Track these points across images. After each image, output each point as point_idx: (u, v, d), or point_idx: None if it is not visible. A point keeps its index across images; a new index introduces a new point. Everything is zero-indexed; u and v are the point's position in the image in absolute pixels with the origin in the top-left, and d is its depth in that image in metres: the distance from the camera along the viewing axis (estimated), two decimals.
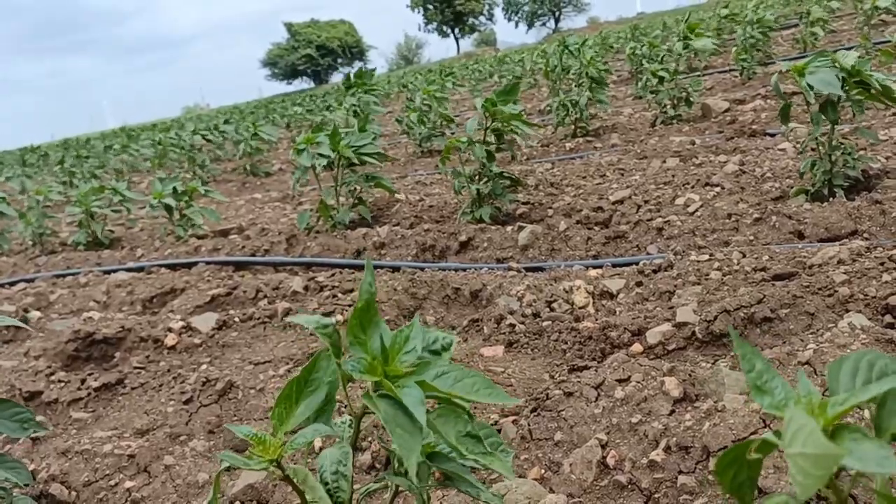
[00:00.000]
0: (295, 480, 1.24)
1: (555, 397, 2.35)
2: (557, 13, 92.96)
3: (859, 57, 3.69)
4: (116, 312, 4.59)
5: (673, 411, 2.16)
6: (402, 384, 1.10)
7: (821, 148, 4.12)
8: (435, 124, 9.69)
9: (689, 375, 2.30)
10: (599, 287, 3.44)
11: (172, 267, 5.57)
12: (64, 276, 6.00)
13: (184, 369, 3.36)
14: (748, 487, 0.94)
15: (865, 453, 0.74)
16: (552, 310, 3.24)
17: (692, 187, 4.83)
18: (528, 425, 2.31)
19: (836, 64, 3.66)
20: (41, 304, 5.10)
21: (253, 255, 5.49)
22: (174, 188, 6.60)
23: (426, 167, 8.75)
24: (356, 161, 5.49)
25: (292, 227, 5.95)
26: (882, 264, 2.87)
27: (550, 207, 5.08)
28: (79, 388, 3.33)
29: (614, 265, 3.89)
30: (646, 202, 4.67)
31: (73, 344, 3.78)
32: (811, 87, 3.68)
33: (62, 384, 3.36)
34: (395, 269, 4.46)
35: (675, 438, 2.00)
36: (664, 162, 5.80)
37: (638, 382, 2.29)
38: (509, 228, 4.66)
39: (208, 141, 12.46)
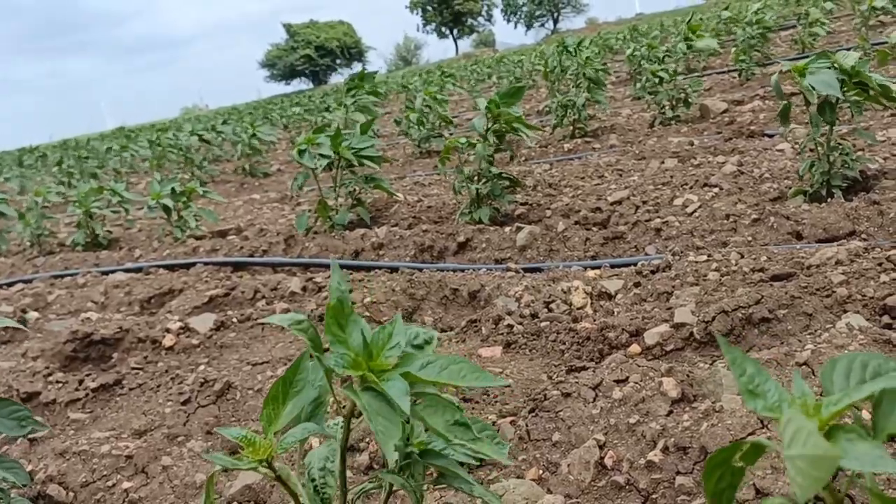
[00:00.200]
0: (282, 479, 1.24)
1: (553, 398, 2.35)
2: (556, 14, 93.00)
3: (860, 58, 3.70)
4: (114, 313, 4.58)
5: (671, 412, 2.16)
6: (387, 377, 1.10)
7: (819, 149, 4.12)
8: (434, 125, 9.69)
9: (687, 376, 2.30)
10: (597, 288, 3.44)
11: (170, 268, 5.57)
12: (62, 276, 6.00)
13: (182, 370, 3.36)
14: (728, 494, 0.93)
15: (860, 454, 0.74)
16: (550, 310, 3.24)
17: (690, 188, 4.83)
18: (526, 426, 2.31)
19: (836, 65, 3.67)
20: (39, 305, 5.09)
21: (251, 255, 5.48)
22: (172, 189, 6.59)
23: (425, 168, 8.75)
24: (356, 163, 5.50)
25: (290, 227, 5.95)
26: (880, 265, 2.87)
27: (549, 208, 5.08)
28: (76, 389, 3.32)
29: (612, 266, 3.89)
30: (644, 203, 4.67)
31: (70, 345, 3.78)
32: (812, 88, 3.68)
33: (60, 385, 3.36)
34: (394, 269, 4.46)
35: (672, 439, 2.00)
36: (662, 163, 5.80)
37: (636, 383, 2.29)
38: (507, 229, 4.66)
39: (206, 142, 12.45)
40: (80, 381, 3.37)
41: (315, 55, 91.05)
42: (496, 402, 2.57)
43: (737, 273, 3.16)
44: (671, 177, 5.17)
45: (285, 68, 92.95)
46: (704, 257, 3.42)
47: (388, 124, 14.77)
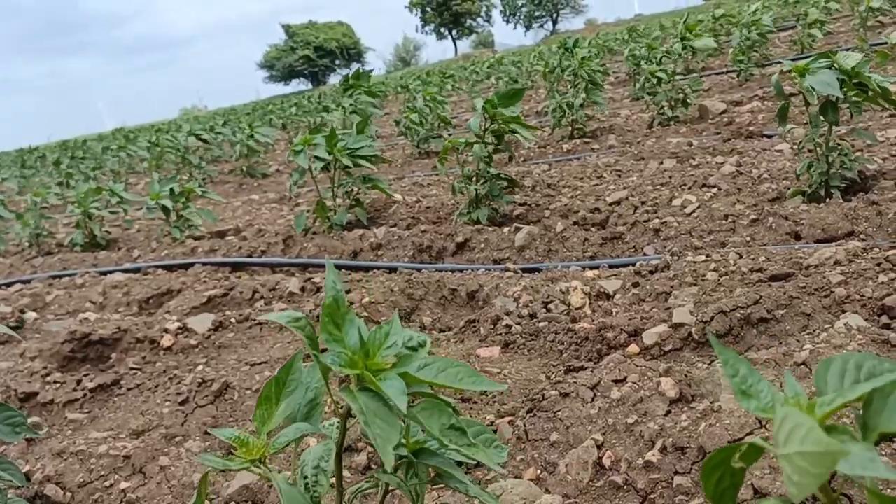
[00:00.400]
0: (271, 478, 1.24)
1: (551, 398, 2.35)
2: (555, 15, 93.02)
3: (861, 59, 3.70)
4: (113, 313, 4.58)
5: (669, 412, 2.15)
6: (385, 377, 1.10)
7: (818, 149, 4.12)
8: (433, 126, 9.69)
9: (686, 376, 2.30)
10: (596, 288, 3.44)
11: (169, 268, 5.56)
12: (60, 276, 5.99)
13: (180, 370, 3.36)
14: (730, 495, 0.93)
15: (852, 456, 0.73)
16: (549, 311, 3.24)
17: (689, 188, 4.83)
18: (524, 426, 2.31)
19: (837, 65, 3.67)
20: (37, 305, 5.09)
21: (250, 256, 5.48)
22: (171, 189, 6.59)
23: (423, 168, 8.75)
24: (351, 164, 5.50)
25: (289, 228, 5.95)
26: (878, 265, 2.87)
27: (547, 208, 5.08)
28: (74, 389, 3.32)
29: (611, 266, 3.89)
30: (643, 203, 4.66)
31: (69, 345, 3.77)
32: (812, 89, 3.68)
33: (58, 385, 3.36)
34: (392, 270, 4.46)
35: (671, 439, 2.00)
36: (661, 163, 5.80)
37: (634, 383, 2.29)
38: (506, 229, 4.65)
39: (204, 142, 12.44)
40: (78, 382, 3.37)
41: (314, 56, 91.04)
42: (494, 402, 2.57)
43: (735, 273, 3.16)
44: (670, 177, 5.17)
45: (284, 69, 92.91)
46: (703, 257, 3.42)
47: (387, 125, 14.77)
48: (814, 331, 2.58)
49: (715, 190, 4.66)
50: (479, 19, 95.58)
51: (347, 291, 3.93)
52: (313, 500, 1.26)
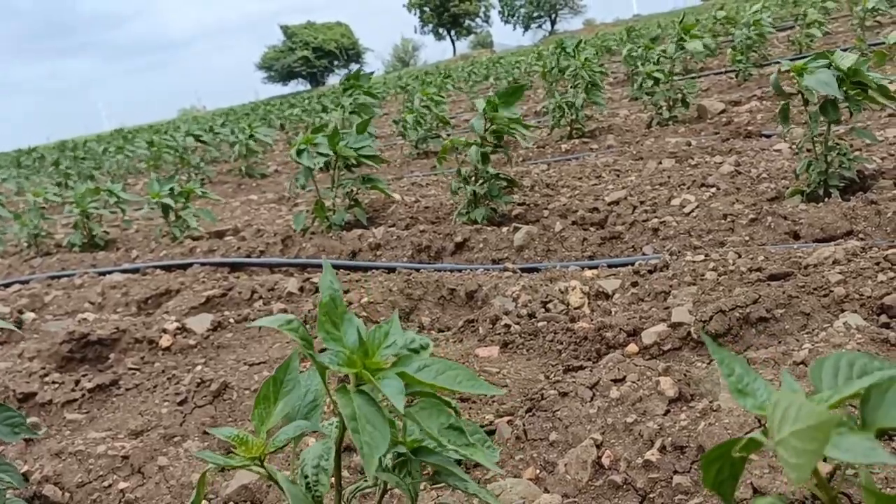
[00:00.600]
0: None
1: (550, 397, 2.35)
2: (554, 15, 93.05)
3: (859, 58, 3.70)
4: (111, 314, 4.58)
5: (668, 411, 2.15)
6: (383, 376, 1.09)
7: (817, 148, 4.12)
8: (431, 126, 9.69)
9: (685, 375, 2.30)
10: (595, 287, 3.44)
11: (167, 268, 5.56)
12: (59, 277, 5.99)
13: (178, 370, 3.36)
14: (730, 485, 0.93)
15: (852, 445, 0.74)
16: (547, 310, 3.23)
17: (688, 188, 4.83)
18: (524, 425, 2.31)
19: (834, 65, 3.67)
20: (36, 306, 5.08)
21: (248, 256, 5.48)
22: (171, 189, 6.59)
23: (422, 169, 8.75)
24: (354, 162, 5.49)
25: (288, 228, 5.94)
26: (877, 264, 2.87)
27: (546, 208, 5.08)
28: (73, 390, 3.32)
29: (610, 266, 3.89)
30: (641, 203, 4.66)
31: (67, 345, 3.77)
32: (811, 88, 3.69)
33: (56, 385, 3.35)
34: (391, 270, 4.46)
35: (670, 438, 1.99)
36: (660, 163, 5.80)
37: (633, 382, 2.28)
38: (505, 229, 4.65)
39: (202, 142, 12.44)
40: (77, 382, 3.37)
41: (312, 57, 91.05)
42: (493, 401, 2.57)
43: (734, 273, 3.16)
44: (669, 177, 5.17)
45: (283, 70, 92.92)
46: (702, 257, 3.42)
47: (385, 125, 14.77)
48: (813, 330, 2.58)
49: (714, 189, 4.66)
50: (478, 20, 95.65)
51: (346, 291, 3.93)
52: (315, 499, 1.26)
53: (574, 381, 2.39)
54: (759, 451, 0.86)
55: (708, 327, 2.71)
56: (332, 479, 1.29)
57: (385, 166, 8.86)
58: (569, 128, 8.35)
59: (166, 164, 12.89)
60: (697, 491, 1.85)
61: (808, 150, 4.21)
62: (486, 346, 3.09)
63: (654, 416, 2.12)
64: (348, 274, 4.49)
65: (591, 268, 3.88)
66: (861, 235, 3.63)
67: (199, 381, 3.05)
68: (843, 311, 2.66)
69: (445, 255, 4.69)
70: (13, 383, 3.36)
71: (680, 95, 7.91)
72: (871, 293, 2.68)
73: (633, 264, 3.70)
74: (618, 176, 5.70)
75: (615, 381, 2.33)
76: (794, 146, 5.04)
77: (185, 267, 5.46)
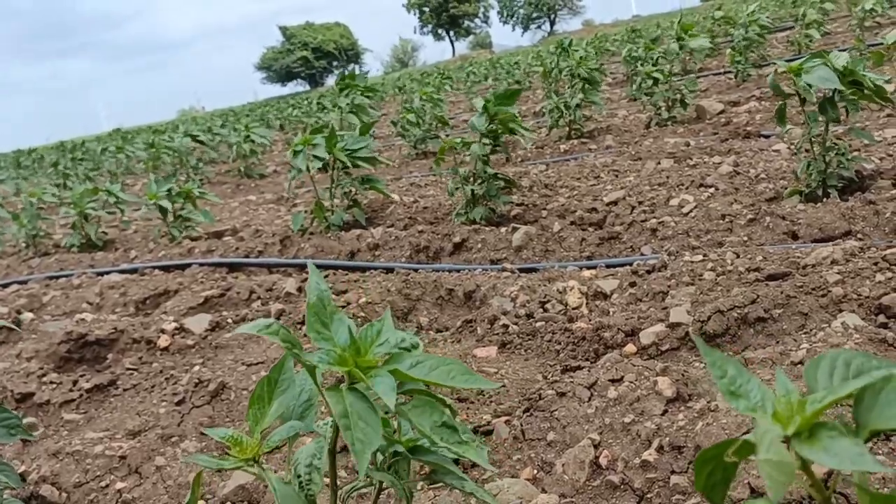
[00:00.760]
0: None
1: (548, 397, 2.35)
2: (552, 16, 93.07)
3: (857, 57, 3.70)
4: (109, 314, 4.57)
5: (666, 411, 2.15)
6: (375, 374, 1.09)
7: (815, 149, 4.12)
8: (430, 126, 9.69)
9: (683, 375, 2.29)
10: (593, 288, 3.44)
11: (166, 268, 5.55)
12: (57, 277, 5.98)
13: (176, 370, 3.35)
14: (721, 489, 0.93)
15: (840, 450, 0.74)
16: (546, 310, 3.23)
17: (686, 188, 4.83)
18: (521, 425, 2.31)
19: (829, 65, 3.67)
20: (34, 306, 5.08)
21: (247, 256, 5.48)
22: (169, 190, 6.59)
23: (420, 169, 8.74)
24: (350, 164, 5.49)
25: (286, 228, 5.94)
26: (875, 264, 2.87)
27: (544, 209, 5.08)
28: (71, 390, 3.31)
29: (608, 266, 3.89)
30: (640, 203, 4.66)
31: (65, 345, 3.76)
32: (810, 86, 3.69)
33: (54, 385, 3.35)
34: (389, 270, 4.45)
35: (667, 438, 1.99)
36: (658, 163, 5.80)
37: (631, 382, 2.28)
38: (503, 230, 4.65)
39: (200, 142, 12.43)
40: (75, 382, 3.36)
41: (311, 57, 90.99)
42: (491, 401, 2.57)
43: (732, 273, 3.16)
44: (667, 177, 5.17)
45: (281, 70, 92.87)
46: (700, 257, 3.42)
47: (384, 126, 14.77)
48: (811, 330, 2.58)
49: (712, 190, 4.66)
50: (477, 20, 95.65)
51: (344, 291, 3.93)
52: (308, 498, 1.26)
53: (572, 381, 2.38)
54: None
55: (706, 327, 2.71)
56: (328, 479, 1.29)
57: (384, 167, 8.85)
58: (567, 128, 8.35)
59: (165, 164, 12.89)
60: (695, 491, 1.85)
61: (807, 151, 4.22)
62: (484, 347, 3.09)
63: (651, 417, 2.12)
64: (346, 274, 4.49)
65: (589, 268, 3.88)
66: (859, 235, 3.63)
67: (196, 381, 3.04)
68: (841, 311, 2.66)
69: (444, 255, 4.69)
70: (11, 383, 3.36)
71: (679, 96, 7.91)
72: (869, 293, 2.68)
73: (631, 264, 3.70)
74: (616, 176, 5.70)
75: (613, 381, 2.33)
76: (792, 146, 5.04)
77: (183, 267, 5.46)
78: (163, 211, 6.58)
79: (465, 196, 5.13)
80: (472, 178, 5.11)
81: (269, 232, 5.97)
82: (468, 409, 2.55)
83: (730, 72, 10.56)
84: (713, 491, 0.93)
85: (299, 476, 1.28)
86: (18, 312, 4.91)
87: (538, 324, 3.11)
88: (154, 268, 5.60)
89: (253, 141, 11.05)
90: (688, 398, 2.21)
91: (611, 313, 3.16)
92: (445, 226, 5.06)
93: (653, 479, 1.92)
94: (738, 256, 3.33)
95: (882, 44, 5.46)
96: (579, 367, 2.68)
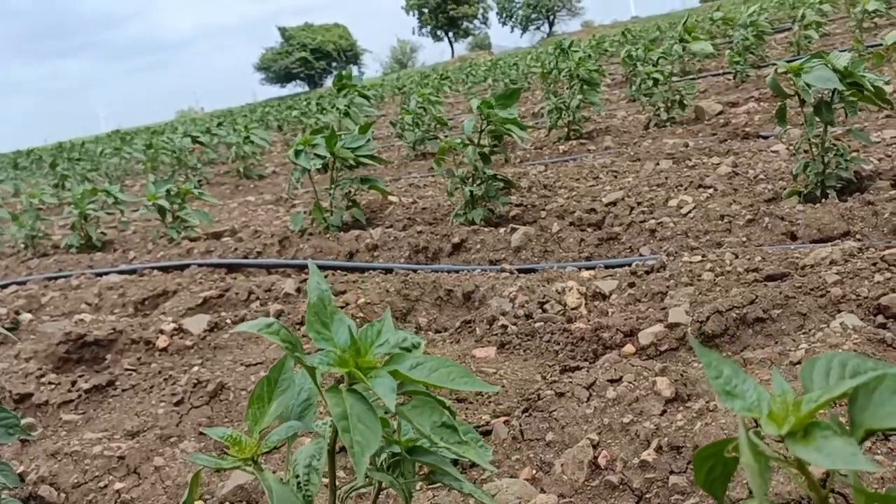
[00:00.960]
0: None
1: (546, 398, 2.35)
2: (552, 17, 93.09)
3: (855, 59, 3.70)
4: (108, 314, 4.57)
5: (664, 411, 2.15)
6: (375, 374, 1.09)
7: (814, 149, 4.12)
8: (429, 127, 9.69)
9: (681, 376, 2.29)
10: (592, 288, 3.44)
11: (165, 269, 5.55)
12: (56, 278, 5.98)
13: (175, 371, 3.35)
14: (721, 483, 0.94)
15: (834, 450, 0.74)
16: (544, 311, 3.23)
17: (685, 189, 4.83)
18: (520, 426, 2.31)
19: (829, 65, 3.68)
20: (33, 307, 5.08)
21: (245, 257, 5.47)
22: (168, 190, 6.59)
23: (419, 170, 8.74)
24: (352, 163, 5.49)
25: (285, 229, 5.94)
26: (874, 265, 2.87)
27: (543, 209, 5.08)
28: (69, 390, 3.31)
29: (607, 266, 3.89)
30: (639, 204, 4.66)
31: (64, 346, 3.76)
32: (809, 87, 3.69)
33: (53, 386, 3.35)
34: (388, 270, 4.45)
35: (666, 438, 1.99)
36: (657, 164, 5.80)
37: (630, 383, 2.28)
38: (502, 230, 4.65)
39: (199, 143, 12.43)
40: (73, 383, 3.36)
41: (310, 58, 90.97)
42: (490, 401, 2.57)
43: (731, 273, 3.16)
44: (666, 178, 5.17)
45: (280, 71, 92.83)
46: (699, 258, 3.42)
47: (383, 126, 14.77)
48: (809, 330, 2.58)
49: (711, 190, 4.66)
50: (476, 21, 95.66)
51: (343, 292, 3.93)
52: (305, 498, 1.26)
53: (571, 382, 2.38)
54: None
55: (705, 328, 2.71)
56: (326, 480, 1.29)
57: (383, 167, 8.86)
58: (566, 129, 8.35)
59: (164, 165, 12.88)
60: (694, 491, 1.85)
61: (806, 152, 4.22)
62: (483, 347, 3.09)
63: (650, 417, 2.12)
64: (345, 275, 4.49)
65: (588, 268, 3.88)
66: (858, 236, 3.63)
67: (195, 381, 3.04)
68: (839, 311, 2.66)
69: (443, 255, 4.69)
70: (10, 384, 3.36)
71: (678, 97, 7.91)
72: (867, 294, 2.69)
73: (630, 265, 3.70)
74: (615, 177, 5.70)
75: (612, 381, 2.33)
76: (791, 147, 5.04)
77: (182, 268, 5.46)
78: (161, 212, 6.57)
79: (464, 197, 5.13)
80: (470, 179, 5.11)
81: (267, 233, 5.97)
82: (467, 409, 2.55)
83: (728, 73, 10.56)
84: (713, 486, 0.93)
85: (297, 476, 1.28)
86: (17, 313, 4.91)
87: (537, 324, 3.11)
88: (153, 268, 5.60)
89: (252, 142, 11.04)
90: (686, 398, 2.21)
91: (609, 314, 3.16)
92: (444, 226, 5.06)
93: (651, 479, 1.92)
94: (736, 257, 3.33)
95: (881, 45, 5.47)
96: (578, 368, 2.68)
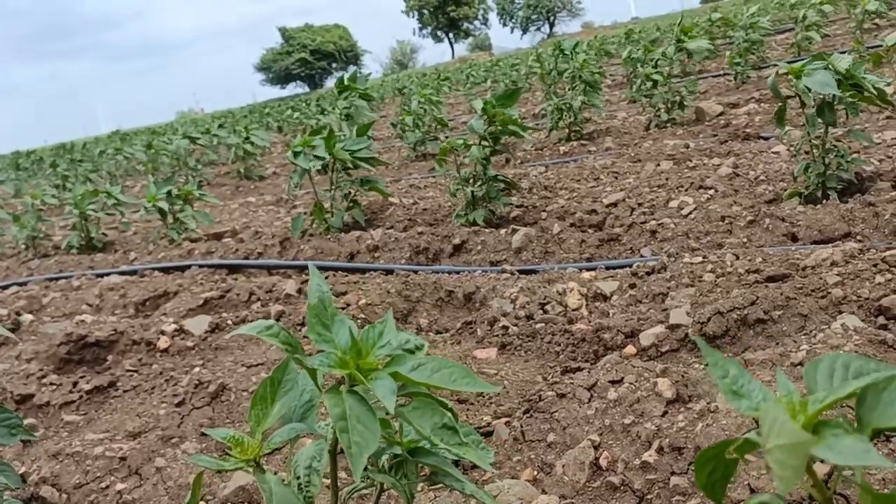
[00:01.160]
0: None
1: (547, 399, 2.35)
2: (552, 18, 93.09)
3: (855, 61, 3.70)
4: (109, 315, 4.57)
5: (666, 412, 2.15)
6: (375, 376, 1.09)
7: (814, 150, 4.12)
8: (429, 128, 9.70)
9: (682, 377, 2.30)
10: (593, 289, 3.44)
11: (165, 270, 5.55)
12: (56, 279, 5.98)
13: (176, 372, 3.35)
14: (721, 486, 0.94)
15: (846, 447, 0.74)
16: (545, 312, 3.24)
17: (686, 190, 4.83)
18: (521, 427, 2.31)
19: (831, 67, 3.68)
20: (33, 308, 5.08)
21: (246, 258, 5.48)
22: (168, 192, 6.59)
23: (420, 171, 8.75)
24: (351, 164, 5.49)
25: (286, 230, 5.94)
26: (875, 266, 2.87)
27: (544, 210, 5.08)
28: (70, 391, 3.31)
29: (608, 267, 3.89)
30: (639, 205, 4.67)
31: (65, 347, 3.76)
32: (809, 90, 3.69)
33: (54, 387, 3.35)
34: (389, 271, 4.46)
35: (667, 439, 1.99)
36: (658, 165, 5.80)
37: (631, 384, 2.28)
38: (503, 231, 4.65)
39: (200, 145, 12.43)
40: (75, 384, 3.36)
41: (310, 59, 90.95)
42: (491, 403, 2.57)
43: (732, 274, 3.16)
44: (667, 179, 5.17)
45: (281, 72, 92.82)
46: (700, 259, 3.42)
47: (383, 128, 14.77)
48: (811, 331, 2.58)
49: (712, 192, 4.67)
50: (476, 22, 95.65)
51: (344, 293, 3.93)
52: (306, 500, 1.26)
53: (572, 383, 2.39)
54: (756, 451, 0.86)
55: (706, 329, 2.72)
56: (328, 481, 1.29)
57: (383, 168, 8.87)
58: (567, 130, 8.35)
59: (164, 166, 12.88)
60: (695, 492, 1.85)
61: (806, 153, 4.22)
62: (484, 348, 3.09)
63: (651, 418, 2.12)
64: (346, 276, 4.49)
65: (589, 269, 3.88)
66: (859, 237, 3.63)
67: (196, 382, 3.04)
68: (840, 312, 2.66)
69: (443, 256, 4.69)
70: (11, 385, 3.36)
71: (678, 98, 7.92)
72: (868, 295, 2.69)
73: (631, 266, 3.71)
74: (616, 178, 5.71)
75: (613, 382, 2.33)
76: (791, 148, 5.05)
77: (182, 269, 5.46)
78: (162, 213, 6.58)
79: (466, 197, 5.13)
80: (472, 180, 5.11)
81: (268, 233, 5.97)
82: (468, 410, 2.55)
83: (729, 74, 10.57)
84: (714, 488, 0.93)
85: (298, 478, 1.28)
86: (18, 314, 4.91)
87: (538, 325, 3.11)
88: (153, 269, 5.60)
89: (252, 143, 11.05)
90: (688, 399, 2.21)
91: (610, 315, 3.16)
92: (445, 227, 5.06)
93: (653, 480, 1.93)
94: (737, 258, 3.33)
95: (881, 46, 5.47)
96: (579, 369, 2.68)
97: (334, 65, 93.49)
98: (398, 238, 4.95)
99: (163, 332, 3.75)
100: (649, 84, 7.98)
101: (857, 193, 4.14)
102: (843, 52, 5.07)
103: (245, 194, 10.08)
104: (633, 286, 3.41)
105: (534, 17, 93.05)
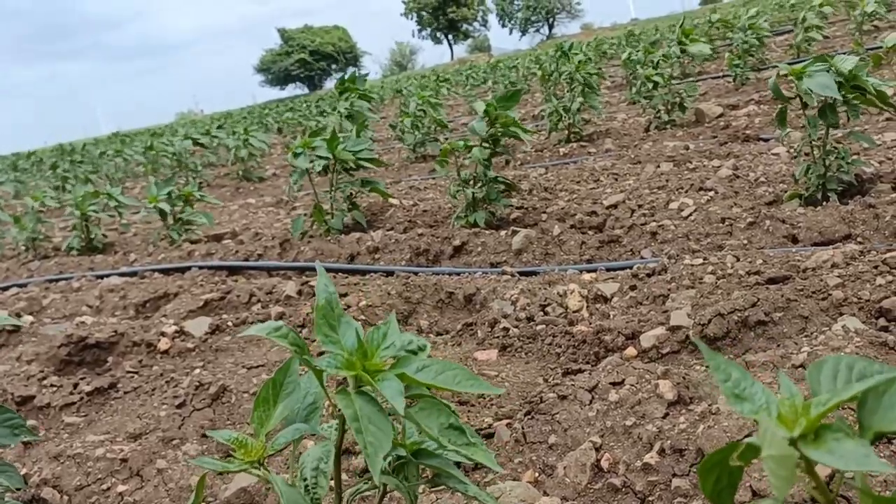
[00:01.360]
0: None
1: (549, 400, 2.35)
2: (551, 19, 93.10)
3: (859, 62, 3.71)
4: (109, 317, 4.57)
5: (667, 414, 2.15)
6: (382, 377, 1.09)
7: (815, 152, 4.12)
8: (429, 130, 9.70)
9: (684, 378, 2.30)
10: (593, 291, 3.44)
11: (166, 272, 5.56)
12: (57, 280, 5.98)
13: (177, 373, 3.35)
14: (729, 493, 0.93)
15: (846, 452, 0.74)
16: (546, 314, 3.24)
17: (686, 192, 4.83)
18: (523, 428, 2.31)
19: (834, 68, 3.68)
20: (34, 309, 5.08)
21: (246, 259, 5.48)
22: (169, 193, 6.59)
23: (420, 172, 8.75)
24: (352, 165, 5.50)
25: (286, 231, 5.94)
26: (876, 268, 2.87)
27: (544, 212, 5.08)
28: (71, 393, 3.31)
29: (608, 269, 3.89)
30: (640, 207, 4.67)
31: (65, 348, 3.76)
32: (811, 91, 3.70)
33: (54, 389, 3.35)
34: (389, 273, 4.46)
35: (669, 441, 1.99)
36: (658, 167, 5.80)
37: (632, 385, 2.28)
38: (503, 233, 4.65)
39: (200, 145, 12.42)
40: (75, 385, 3.36)
41: (310, 60, 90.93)
42: (492, 404, 2.57)
43: (732, 276, 3.16)
44: (667, 181, 5.18)
45: (280, 73, 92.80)
46: (700, 260, 3.42)
47: (383, 129, 14.77)
48: (811, 333, 2.58)
49: (712, 193, 4.67)
50: (476, 24, 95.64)
51: (344, 295, 3.93)
52: (313, 501, 1.26)
53: (573, 385, 2.39)
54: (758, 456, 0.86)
55: (706, 331, 2.72)
56: (332, 482, 1.29)
57: (383, 170, 8.87)
58: (567, 131, 8.36)
59: (164, 167, 12.88)
60: (696, 494, 1.85)
61: (807, 154, 4.22)
62: (484, 350, 3.09)
63: (652, 419, 2.12)
64: (346, 277, 4.49)
65: (589, 271, 3.88)
66: (859, 239, 3.64)
67: (197, 384, 3.04)
68: (841, 314, 2.66)
69: (444, 258, 4.69)
70: (11, 386, 3.36)
71: (678, 99, 7.92)
72: (869, 297, 2.69)
73: (631, 268, 3.70)
74: (616, 180, 5.71)
75: (614, 384, 2.34)
76: (792, 150, 5.05)
77: (183, 270, 5.46)
78: (162, 214, 6.58)
79: (466, 199, 5.13)
80: (472, 182, 5.11)
81: (268, 235, 5.97)
82: (469, 412, 2.56)
83: (728, 75, 10.57)
84: (721, 496, 0.93)
85: (305, 479, 1.28)
86: (18, 315, 4.91)
87: (539, 327, 3.11)
88: (154, 271, 5.61)
89: (252, 144, 11.05)
90: (689, 401, 2.22)
91: (611, 316, 3.16)
92: (445, 229, 5.06)
93: (654, 481, 1.93)
94: (738, 260, 3.33)
95: (881, 47, 5.48)
96: (580, 371, 2.68)
97: (333, 66, 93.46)
98: (398, 240, 4.95)
99: (163, 334, 3.75)
100: (649, 86, 7.98)
101: (857, 195, 4.14)
102: (843, 54, 5.07)
103: (245, 195, 10.08)
104: (633, 288, 3.41)
105: (533, 18, 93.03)
